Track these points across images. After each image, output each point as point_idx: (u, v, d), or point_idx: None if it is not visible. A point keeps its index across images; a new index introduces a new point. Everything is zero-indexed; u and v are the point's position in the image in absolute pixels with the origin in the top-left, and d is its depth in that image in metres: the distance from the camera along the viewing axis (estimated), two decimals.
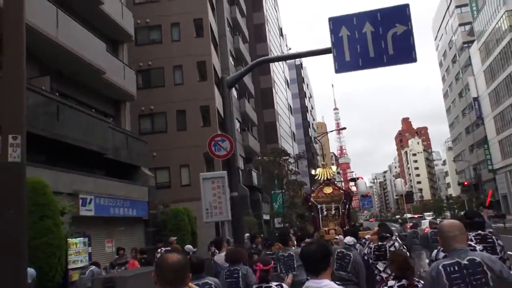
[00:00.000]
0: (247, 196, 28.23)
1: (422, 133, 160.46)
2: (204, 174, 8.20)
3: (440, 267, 2.89)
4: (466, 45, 69.82)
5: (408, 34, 9.31)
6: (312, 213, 13.37)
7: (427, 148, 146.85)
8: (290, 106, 58.52)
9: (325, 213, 12.47)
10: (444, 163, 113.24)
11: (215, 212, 7.47)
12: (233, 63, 33.76)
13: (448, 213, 63.92)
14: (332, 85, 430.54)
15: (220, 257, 6.59)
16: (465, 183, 62.56)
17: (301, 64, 76.54)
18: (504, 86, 56.45)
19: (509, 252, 4.93)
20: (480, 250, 4.06)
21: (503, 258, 4.37)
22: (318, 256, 2.55)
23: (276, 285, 3.91)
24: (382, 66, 9.31)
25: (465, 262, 2.85)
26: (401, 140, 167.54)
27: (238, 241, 8.90)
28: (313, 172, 14.87)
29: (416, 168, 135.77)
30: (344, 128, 54.85)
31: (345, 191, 14.12)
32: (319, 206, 12.75)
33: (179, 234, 14.87)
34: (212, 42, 26.78)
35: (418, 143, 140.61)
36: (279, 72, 53.24)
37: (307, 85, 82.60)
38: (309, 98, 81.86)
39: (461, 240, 3.00)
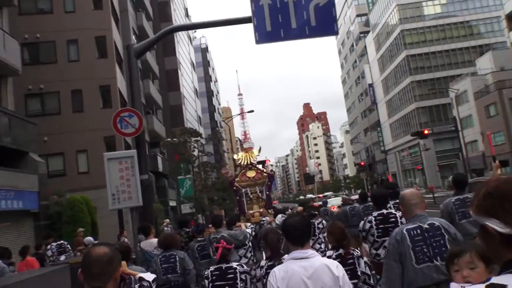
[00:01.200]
0: (153, 182, 26.72)
1: (321, 117, 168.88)
2: (109, 153, 6.94)
3: (404, 231, 3.14)
4: (362, 35, 74.10)
5: (330, 6, 8.91)
6: (238, 197, 13.29)
7: (326, 131, 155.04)
8: (196, 90, 57.12)
9: (250, 196, 12.42)
10: (342, 145, 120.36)
11: (123, 198, 6.34)
12: (136, 41, 31.45)
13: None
14: (236, 70, 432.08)
15: (147, 243, 6.25)
16: (362, 163, 66.97)
17: (207, 47, 75.25)
18: (393, 76, 61.05)
19: None
20: (400, 216, 4.68)
21: None
22: (303, 228, 2.59)
23: (237, 265, 3.90)
24: (305, 37, 8.81)
25: (426, 226, 3.13)
26: (302, 125, 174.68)
27: None
28: (235, 156, 14.90)
29: (317, 151, 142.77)
30: (252, 111, 54.46)
31: (269, 174, 14.18)
32: (243, 189, 12.73)
33: (77, 226, 13.17)
34: (112, 16, 24.49)
35: (318, 127, 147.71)
36: (185, 54, 51.46)
37: (213, 69, 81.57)
38: (214, 82, 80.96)
39: (421, 207, 3.28)
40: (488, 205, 1.16)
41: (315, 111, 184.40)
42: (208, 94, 69.42)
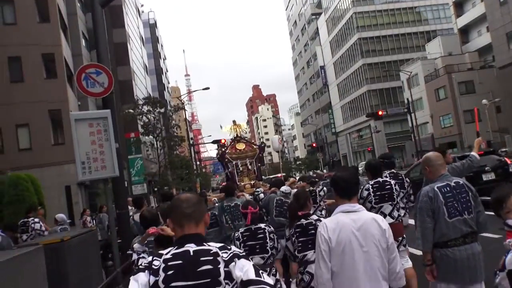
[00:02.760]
0: None
1: (271, 99, 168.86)
2: (76, 113, 5.66)
3: (435, 189, 3.40)
4: (314, 16, 73.87)
5: None
6: (229, 169, 13.06)
7: (276, 114, 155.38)
8: (146, 66, 54.47)
9: (240, 168, 12.52)
10: (292, 127, 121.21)
11: (95, 167, 5.13)
12: (81, 8, 29.03)
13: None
14: (183, 50, 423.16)
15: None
16: (314, 145, 67.47)
17: (156, 22, 71.99)
18: (345, 58, 61.49)
19: None
20: (394, 184, 4.98)
21: (409, 193, 5.62)
22: (352, 181, 2.69)
23: (265, 226, 4.10)
24: None
25: (452, 184, 3.41)
26: (251, 106, 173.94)
27: (121, 208, 6.89)
28: (223, 128, 15.12)
29: (266, 133, 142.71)
30: (208, 88, 52.89)
31: (259, 146, 14.08)
32: (234, 162, 12.69)
33: (22, 208, 11.51)
34: None
35: (268, 109, 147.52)
36: (134, 27, 48.62)
37: (162, 46, 78.41)
38: (163, 59, 77.97)
39: (444, 167, 3.60)
40: None
41: (265, 93, 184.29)
42: (157, 71, 66.52)
